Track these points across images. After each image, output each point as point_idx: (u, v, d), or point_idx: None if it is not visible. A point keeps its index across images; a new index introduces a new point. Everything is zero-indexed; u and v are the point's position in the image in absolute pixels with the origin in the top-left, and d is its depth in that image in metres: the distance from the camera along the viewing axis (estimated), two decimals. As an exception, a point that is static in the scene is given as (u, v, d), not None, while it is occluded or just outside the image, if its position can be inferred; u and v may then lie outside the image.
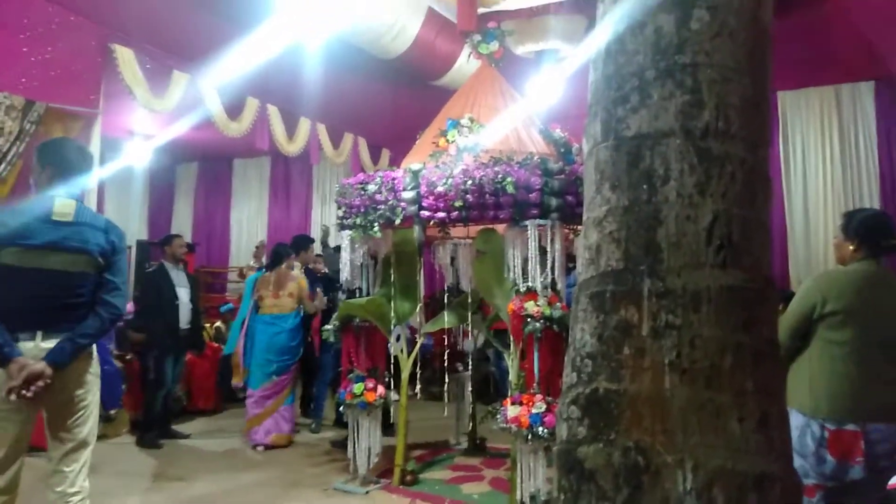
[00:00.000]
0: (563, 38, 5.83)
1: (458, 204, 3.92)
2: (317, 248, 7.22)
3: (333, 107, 7.35)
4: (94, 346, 2.66)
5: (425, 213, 4.05)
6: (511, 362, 4.03)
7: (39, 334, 2.49)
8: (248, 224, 10.41)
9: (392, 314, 4.49)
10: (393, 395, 4.62)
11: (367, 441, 4.45)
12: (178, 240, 5.89)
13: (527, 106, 4.71)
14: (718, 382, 1.47)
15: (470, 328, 5.23)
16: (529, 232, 3.83)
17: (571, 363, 1.65)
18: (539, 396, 3.72)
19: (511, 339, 3.99)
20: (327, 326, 4.76)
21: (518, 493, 3.77)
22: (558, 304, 3.80)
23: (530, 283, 3.85)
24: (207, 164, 10.77)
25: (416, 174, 4.12)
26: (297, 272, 5.82)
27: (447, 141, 4.24)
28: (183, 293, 5.65)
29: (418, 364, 4.61)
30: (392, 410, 5.15)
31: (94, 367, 2.65)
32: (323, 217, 9.90)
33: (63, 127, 4.91)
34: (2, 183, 4.66)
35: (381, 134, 8.60)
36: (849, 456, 2.64)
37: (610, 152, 1.72)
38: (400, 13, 5.78)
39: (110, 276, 2.62)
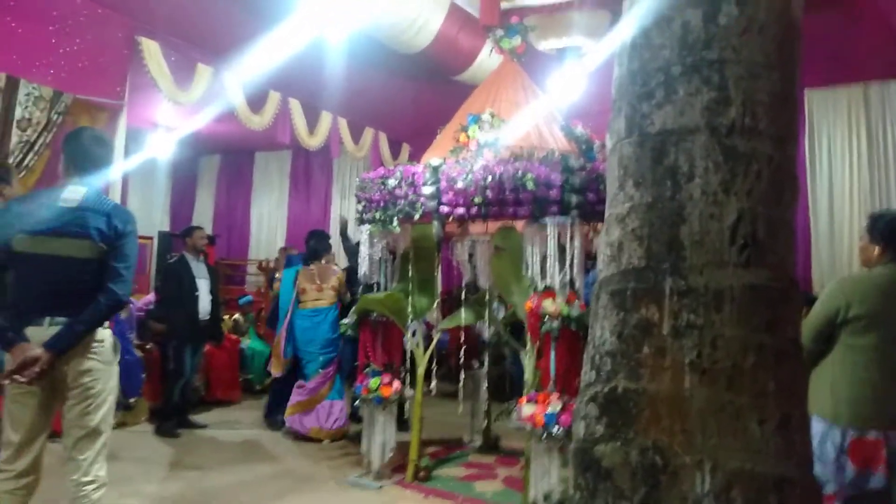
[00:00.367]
0: (586, 34, 5.78)
1: (477, 200, 3.90)
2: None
3: (355, 101, 7.36)
4: (109, 334, 2.64)
5: (444, 209, 4.04)
6: (527, 361, 4.01)
7: (47, 320, 2.50)
8: (269, 217, 10.48)
9: (409, 309, 4.49)
10: (408, 391, 4.63)
11: (382, 436, 4.46)
12: (199, 231, 5.94)
13: (548, 102, 4.67)
14: (739, 383, 1.45)
15: (487, 323, 5.22)
16: (549, 229, 3.80)
17: (590, 361, 1.64)
18: (555, 395, 3.70)
19: (528, 337, 3.97)
20: (345, 321, 4.78)
21: (532, 492, 3.76)
22: (577, 302, 3.77)
23: (548, 282, 3.83)
24: (229, 156, 10.86)
25: (436, 169, 4.11)
26: (336, 266, 5.90)
27: (468, 136, 4.22)
28: (203, 284, 5.70)
29: (434, 360, 4.60)
30: (407, 406, 5.16)
31: (105, 356, 2.59)
32: (342, 211, 9.94)
33: (89, 118, 4.98)
34: (30, 172, 4.74)
35: (401, 129, 8.60)
36: (870, 464, 2.59)
37: (634, 148, 1.70)
38: (423, 8, 5.77)
39: (113, 262, 2.56)
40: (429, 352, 4.59)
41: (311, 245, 5.85)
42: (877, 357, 2.61)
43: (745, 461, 1.39)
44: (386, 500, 4.17)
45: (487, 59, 6.52)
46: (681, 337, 1.49)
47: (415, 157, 8.14)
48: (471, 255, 5.51)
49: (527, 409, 3.71)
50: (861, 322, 2.63)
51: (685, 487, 1.38)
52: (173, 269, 5.82)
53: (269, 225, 10.42)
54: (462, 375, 4.93)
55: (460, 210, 4.00)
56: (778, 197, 1.63)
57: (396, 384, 4.47)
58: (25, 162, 4.67)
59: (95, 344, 2.56)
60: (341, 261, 7.35)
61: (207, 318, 5.72)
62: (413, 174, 4.22)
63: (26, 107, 4.58)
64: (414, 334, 4.61)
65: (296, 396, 5.52)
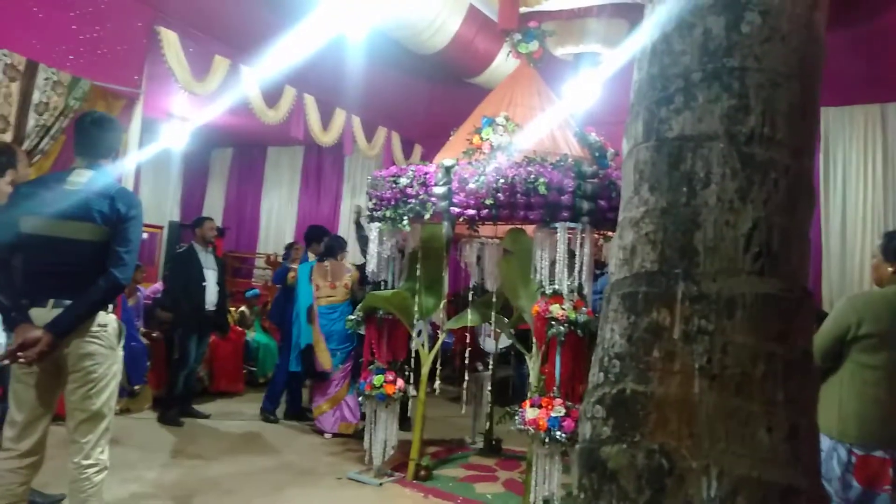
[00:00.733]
0: (603, 41, 5.78)
1: (488, 202, 3.91)
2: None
3: (369, 100, 7.38)
4: (113, 319, 2.64)
5: (455, 210, 4.05)
6: (532, 365, 4.01)
7: (51, 302, 2.52)
8: (278, 212, 10.51)
9: (416, 308, 4.49)
10: (410, 391, 4.63)
11: (384, 433, 4.47)
12: (208, 222, 5.98)
13: (563, 108, 4.67)
14: (749, 390, 1.45)
15: (493, 328, 5.22)
16: (559, 234, 3.80)
17: (599, 363, 1.63)
18: (559, 400, 3.70)
19: (533, 341, 3.97)
20: (351, 317, 4.79)
21: (532, 495, 3.76)
22: (584, 308, 3.77)
23: (557, 286, 3.83)
24: (242, 150, 10.90)
25: (448, 170, 4.12)
26: (349, 264, 5.92)
27: (481, 139, 4.23)
28: (210, 275, 5.73)
29: (438, 361, 4.61)
30: (410, 405, 5.16)
31: (107, 340, 2.60)
32: (352, 209, 9.96)
33: (106, 105, 5.00)
34: (45, 156, 4.77)
35: (414, 129, 8.62)
36: (875, 483, 2.58)
37: (650, 153, 1.70)
38: (441, 9, 5.78)
39: (115, 246, 2.56)
40: (433, 352, 4.60)
41: (328, 243, 5.89)
42: (886, 376, 2.60)
43: (752, 468, 1.38)
44: (386, 497, 4.17)
45: (503, 62, 6.54)
46: (691, 342, 1.49)
47: (427, 157, 8.17)
48: (479, 258, 5.53)
49: (530, 412, 3.71)
50: (872, 340, 2.62)
51: (691, 492, 1.38)
52: (182, 259, 5.86)
53: (278, 220, 10.45)
54: (466, 377, 4.93)
55: (471, 211, 4.01)
56: (793, 207, 1.63)
57: (400, 382, 4.48)
58: (41, 146, 4.70)
59: (98, 328, 2.57)
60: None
61: (214, 308, 5.75)
62: (425, 174, 4.23)
63: (44, 91, 4.61)
64: (419, 334, 4.62)
65: (320, 397, 5.55)
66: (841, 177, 6.52)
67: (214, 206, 10.92)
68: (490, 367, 5.38)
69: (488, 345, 5.56)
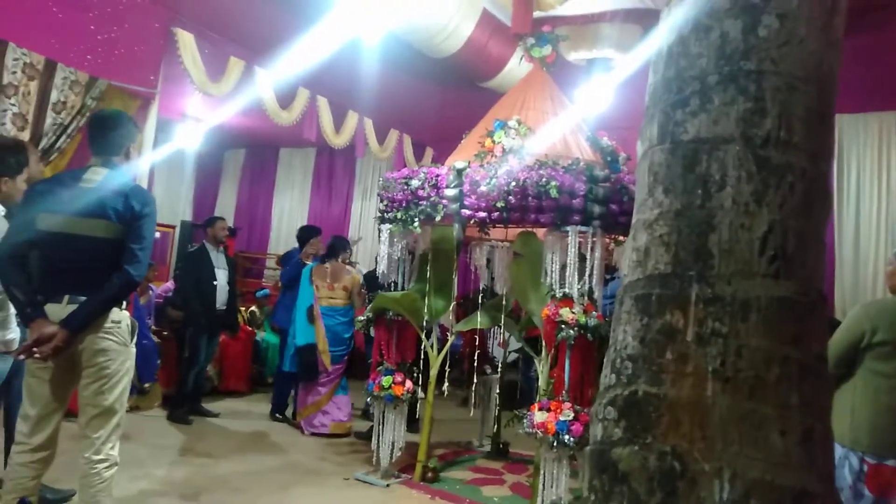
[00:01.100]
0: (616, 46, 5.78)
1: (499, 205, 3.91)
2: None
3: (382, 102, 7.42)
4: (127, 316, 2.67)
5: (466, 212, 4.05)
6: (541, 368, 4.01)
7: (66, 298, 2.55)
8: (290, 213, 10.56)
9: (425, 310, 4.50)
10: (419, 393, 4.63)
11: (392, 435, 4.47)
12: (220, 222, 6.01)
13: (575, 112, 4.68)
14: (762, 394, 1.44)
15: (502, 334, 5.21)
16: (570, 238, 3.80)
17: (611, 364, 1.63)
18: (567, 404, 3.69)
19: (542, 345, 3.97)
20: (360, 318, 4.80)
21: (539, 499, 3.75)
22: (594, 313, 3.76)
23: (567, 290, 3.82)
24: (254, 151, 10.97)
25: (460, 172, 4.13)
26: (351, 267, 5.94)
27: (493, 142, 4.24)
28: (221, 275, 5.76)
29: (447, 363, 4.61)
30: (418, 407, 5.16)
31: (121, 336, 2.62)
32: (363, 211, 10.00)
33: (122, 105, 5.05)
34: (61, 155, 4.82)
35: (426, 132, 8.64)
36: (887, 492, 2.56)
37: (665, 155, 1.70)
38: (454, 13, 5.80)
39: (129, 243, 2.59)
40: (442, 354, 4.60)
41: (331, 243, 5.91)
42: (899, 383, 2.57)
43: (766, 472, 1.37)
44: (392, 498, 4.17)
45: (516, 67, 6.54)
46: (705, 344, 1.49)
47: (438, 160, 8.18)
48: (489, 261, 5.53)
49: (539, 416, 3.70)
50: (886, 347, 2.60)
51: (703, 495, 1.37)
52: (193, 258, 5.89)
53: (289, 221, 10.49)
54: (474, 380, 4.93)
55: (482, 214, 4.01)
56: (810, 211, 1.62)
57: (409, 384, 4.48)
58: (58, 144, 4.75)
59: (111, 324, 2.59)
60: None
61: (224, 308, 5.78)
62: (437, 176, 4.24)
63: (62, 90, 4.67)
64: (429, 336, 4.63)
65: (306, 398, 5.55)
66: (855, 184, 6.48)
67: (226, 207, 10.99)
68: (499, 370, 5.37)
69: (497, 350, 5.55)
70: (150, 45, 5.20)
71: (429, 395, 4.55)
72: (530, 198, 3.85)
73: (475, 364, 4.76)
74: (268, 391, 6.58)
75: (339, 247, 5.84)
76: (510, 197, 3.89)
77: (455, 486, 4.42)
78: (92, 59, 4.82)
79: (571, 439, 3.57)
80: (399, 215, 4.39)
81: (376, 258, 4.77)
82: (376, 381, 4.46)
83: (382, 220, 4.58)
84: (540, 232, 4.24)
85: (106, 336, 2.58)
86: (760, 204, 1.56)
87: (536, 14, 4.97)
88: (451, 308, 4.73)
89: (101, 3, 4.80)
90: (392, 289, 4.65)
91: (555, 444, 3.60)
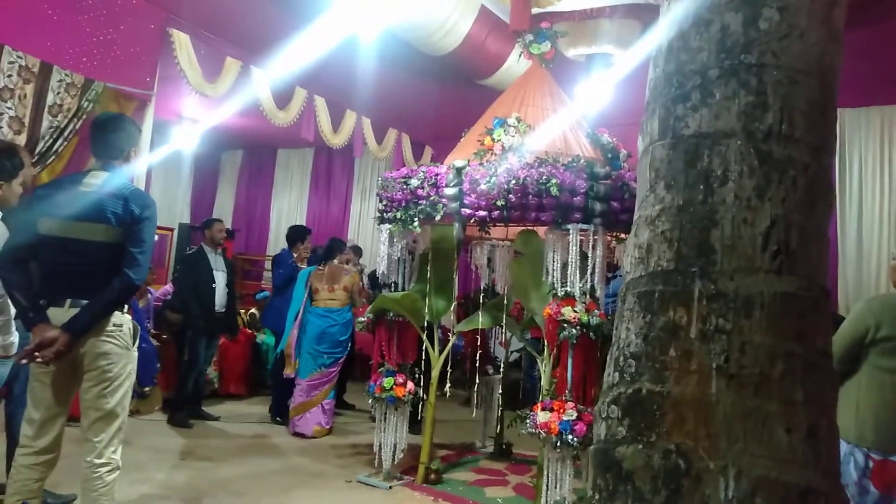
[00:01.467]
0: (615, 42, 5.75)
1: (500, 203, 3.88)
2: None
3: (380, 101, 7.39)
4: (128, 319, 2.66)
5: (466, 211, 4.03)
6: (544, 368, 3.98)
7: (68, 302, 2.55)
8: (288, 214, 10.53)
9: (426, 311, 4.48)
10: (420, 394, 4.61)
11: (394, 436, 4.45)
12: (218, 224, 5.98)
13: (575, 109, 4.65)
14: (767, 390, 1.42)
15: (504, 334, 5.19)
16: (571, 236, 3.78)
17: (614, 362, 1.61)
18: (570, 404, 3.67)
19: (545, 344, 3.94)
20: (361, 319, 4.78)
21: (543, 500, 3.72)
22: (596, 311, 3.73)
23: (569, 289, 3.80)
24: (252, 152, 10.95)
25: (459, 171, 4.10)
26: (351, 266, 5.92)
27: (493, 140, 4.21)
28: (220, 277, 5.74)
29: (449, 363, 4.59)
30: (420, 408, 5.14)
31: (123, 340, 2.61)
32: (362, 211, 9.98)
33: (118, 107, 5.04)
34: (58, 158, 4.80)
35: (424, 131, 8.62)
36: (893, 488, 2.54)
37: (667, 150, 1.68)
38: (452, 10, 5.78)
39: (129, 246, 2.59)
40: (443, 355, 4.58)
41: (328, 245, 5.89)
42: (904, 379, 2.55)
43: (771, 469, 1.36)
44: (395, 500, 4.15)
45: (515, 64, 6.53)
46: (708, 341, 1.47)
47: (437, 159, 8.15)
48: (489, 260, 5.50)
49: (542, 416, 3.68)
50: (890, 343, 2.57)
51: (708, 493, 1.36)
52: (191, 261, 5.87)
53: (288, 222, 10.44)
54: (476, 380, 4.91)
55: (482, 213, 3.99)
56: (812, 205, 1.60)
57: (410, 385, 4.46)
58: (55, 148, 4.73)
59: (114, 328, 2.60)
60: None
61: (223, 310, 5.75)
62: (436, 175, 4.21)
63: (58, 93, 4.65)
64: (430, 336, 4.60)
65: (297, 397, 5.54)
66: (857, 179, 6.45)
67: (224, 208, 10.97)
68: (501, 370, 5.35)
69: (499, 350, 5.54)
70: (145, 46, 5.17)
71: (430, 396, 4.53)
72: (531, 196, 3.82)
73: (477, 364, 4.74)
74: (268, 394, 6.55)
75: (336, 248, 5.83)
76: (510, 195, 3.86)
77: (458, 488, 4.40)
78: (87, 62, 4.80)
79: (575, 439, 3.54)
80: (398, 215, 4.37)
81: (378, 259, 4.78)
82: (377, 383, 4.44)
83: (382, 220, 4.56)
84: (541, 230, 4.21)
85: (108, 339, 2.58)
86: (763, 199, 1.55)
87: (535, 10, 4.95)
88: (451, 308, 4.71)
89: (96, 5, 4.78)
90: (392, 289, 4.62)
91: (558, 444, 3.58)
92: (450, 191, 4.10)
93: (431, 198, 4.19)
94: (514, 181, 3.85)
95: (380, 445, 4.45)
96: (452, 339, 4.79)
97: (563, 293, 3.80)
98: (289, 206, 10.61)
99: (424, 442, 4.51)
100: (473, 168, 4.07)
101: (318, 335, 5.54)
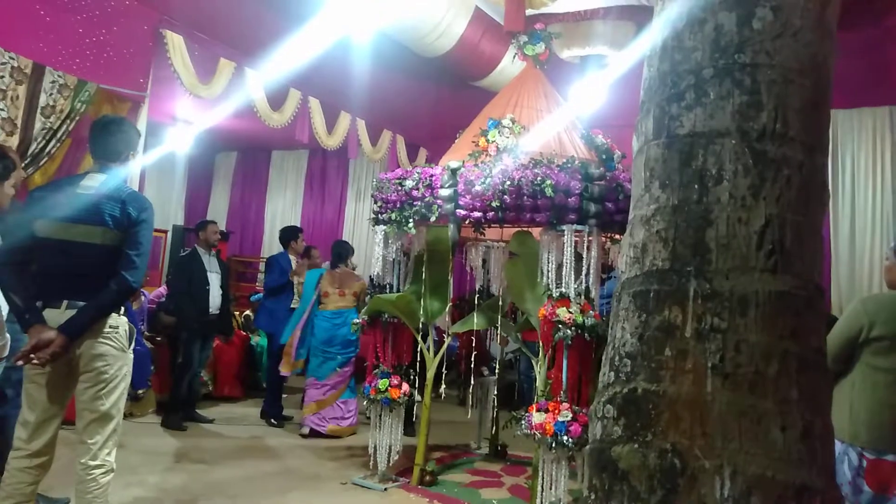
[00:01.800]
0: (609, 44, 5.77)
1: (494, 204, 3.89)
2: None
3: (374, 103, 7.39)
4: (125, 321, 2.66)
5: (461, 212, 4.03)
6: (539, 369, 3.98)
7: (64, 303, 2.55)
8: (283, 216, 10.50)
9: (421, 312, 4.47)
10: (416, 395, 4.60)
11: (389, 438, 4.44)
12: (212, 226, 5.96)
13: (569, 110, 4.66)
14: (762, 389, 1.42)
15: (499, 333, 5.19)
16: (566, 237, 3.78)
17: (610, 362, 1.61)
18: (566, 405, 3.67)
19: (540, 345, 3.94)
20: (356, 320, 4.77)
21: (538, 501, 3.72)
22: (591, 312, 3.74)
23: (563, 290, 3.80)
24: (246, 153, 10.91)
25: (454, 172, 4.10)
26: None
27: (487, 141, 4.21)
28: (214, 279, 5.72)
29: (444, 365, 4.58)
30: (415, 409, 5.14)
31: (119, 341, 2.62)
32: (357, 213, 9.96)
33: (111, 108, 5.01)
34: (51, 160, 4.77)
35: (419, 132, 8.62)
36: (887, 488, 2.55)
37: (661, 150, 1.68)
38: (446, 12, 5.78)
39: (126, 249, 2.59)
40: (439, 356, 4.57)
41: (336, 250, 5.89)
42: (898, 378, 2.56)
43: (767, 467, 1.36)
44: (390, 502, 4.14)
45: (509, 65, 6.54)
46: (704, 340, 1.47)
47: (432, 160, 8.14)
48: (484, 261, 5.50)
49: (537, 417, 3.67)
50: (884, 343, 2.58)
51: (703, 491, 1.35)
52: (185, 263, 5.84)
53: (282, 223, 10.36)
54: (471, 381, 4.91)
55: (477, 214, 3.99)
56: (807, 204, 1.60)
57: (405, 387, 4.45)
58: (47, 149, 4.70)
59: (110, 329, 2.60)
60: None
61: (217, 312, 5.73)
62: (431, 176, 4.21)
63: (51, 94, 4.62)
64: (425, 337, 4.59)
65: (312, 396, 5.55)
66: (850, 179, 6.48)
67: (219, 210, 10.93)
68: (496, 371, 5.35)
69: (494, 349, 5.54)
70: (139, 47, 5.15)
71: (426, 397, 4.52)
72: (525, 197, 3.82)
73: (472, 366, 4.73)
74: (262, 397, 6.53)
75: (344, 253, 5.85)
76: (505, 196, 3.86)
77: (453, 489, 4.39)
78: (80, 63, 4.77)
79: (570, 440, 3.54)
80: (393, 216, 4.36)
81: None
82: (372, 385, 4.43)
83: (377, 222, 4.55)
84: (535, 231, 4.21)
85: (104, 341, 2.58)
86: (757, 198, 1.55)
87: (529, 12, 4.96)
88: (447, 309, 4.70)
89: (89, 6, 4.76)
90: (388, 291, 4.61)
91: (553, 445, 3.57)
92: (445, 192, 4.10)
93: (426, 199, 4.19)
94: (508, 182, 3.85)
95: (375, 447, 4.44)
96: (448, 341, 4.78)
97: (557, 294, 3.80)
98: (283, 208, 10.58)
99: (419, 443, 4.50)
100: (468, 169, 4.07)
101: (328, 338, 5.57)
